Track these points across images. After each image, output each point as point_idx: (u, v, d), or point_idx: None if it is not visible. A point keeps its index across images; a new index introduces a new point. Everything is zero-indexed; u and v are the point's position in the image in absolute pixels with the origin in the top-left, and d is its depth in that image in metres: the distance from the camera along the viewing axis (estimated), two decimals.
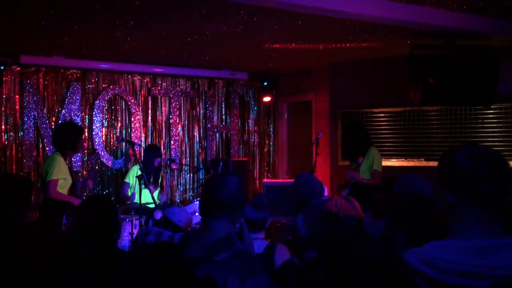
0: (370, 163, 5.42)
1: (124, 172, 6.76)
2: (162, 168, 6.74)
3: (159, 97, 7.27)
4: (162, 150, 7.18)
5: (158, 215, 5.13)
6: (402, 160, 6.36)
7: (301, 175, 3.75)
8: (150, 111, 7.21)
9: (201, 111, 7.64)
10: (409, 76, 5.12)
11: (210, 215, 2.06)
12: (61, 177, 4.75)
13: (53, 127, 6.44)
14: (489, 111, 5.82)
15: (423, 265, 1.50)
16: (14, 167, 6.25)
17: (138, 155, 6.59)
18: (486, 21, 4.66)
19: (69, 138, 4.90)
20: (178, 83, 7.41)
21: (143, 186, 5.11)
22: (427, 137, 6.22)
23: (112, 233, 2.65)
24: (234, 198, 2.05)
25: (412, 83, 5.09)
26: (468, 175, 1.52)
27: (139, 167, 5.88)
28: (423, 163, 6.19)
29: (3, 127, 6.22)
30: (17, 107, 6.28)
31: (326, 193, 4.55)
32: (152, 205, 5.53)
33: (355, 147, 5.52)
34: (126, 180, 6.17)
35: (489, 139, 5.78)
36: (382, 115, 6.54)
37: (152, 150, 6.22)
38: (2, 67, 5.83)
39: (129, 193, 6.05)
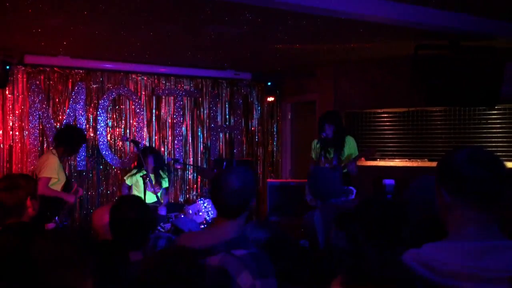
0: (352, 151, 5.40)
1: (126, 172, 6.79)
2: (165, 167, 6.72)
3: (163, 97, 7.29)
4: (166, 150, 7.22)
5: (163, 211, 5.27)
6: (406, 161, 6.36)
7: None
8: (154, 111, 7.23)
9: (205, 111, 7.66)
10: (413, 77, 5.12)
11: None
12: (53, 176, 4.82)
13: (57, 126, 6.48)
14: (492, 112, 5.81)
15: (419, 266, 1.50)
16: (19, 165, 6.29)
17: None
18: (490, 22, 4.66)
19: (73, 142, 5.08)
20: (182, 83, 7.43)
21: (147, 185, 5.26)
22: (431, 138, 6.22)
23: (148, 232, 2.54)
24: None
25: (416, 83, 5.10)
26: (465, 177, 1.53)
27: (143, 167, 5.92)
28: (426, 163, 6.19)
29: (8, 126, 6.26)
30: (22, 106, 6.32)
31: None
32: (155, 201, 5.63)
33: (338, 135, 5.38)
34: (125, 180, 6.27)
35: (493, 139, 5.77)
36: (386, 115, 6.55)
37: (144, 152, 6.12)
38: (8, 67, 5.86)
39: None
